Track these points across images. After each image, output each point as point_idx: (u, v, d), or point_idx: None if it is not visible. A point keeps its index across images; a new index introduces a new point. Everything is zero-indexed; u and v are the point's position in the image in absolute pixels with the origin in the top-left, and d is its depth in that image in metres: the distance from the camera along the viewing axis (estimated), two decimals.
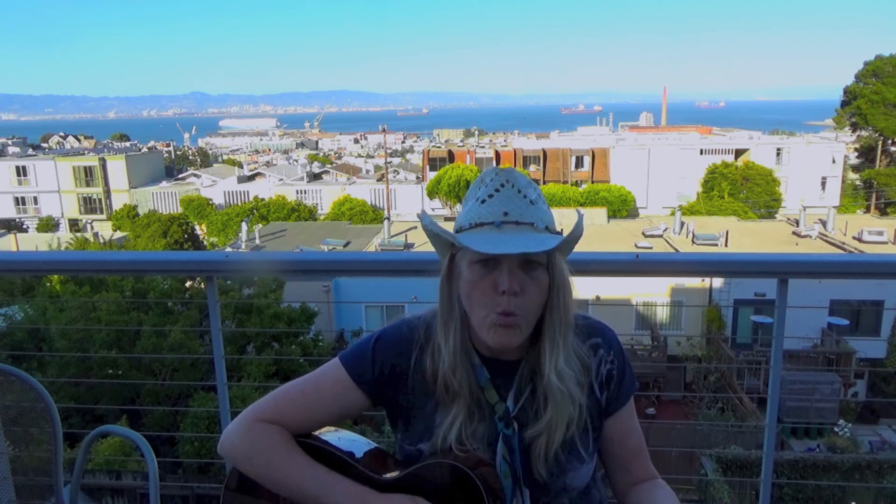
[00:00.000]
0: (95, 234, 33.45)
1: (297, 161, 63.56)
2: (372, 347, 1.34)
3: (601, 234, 25.59)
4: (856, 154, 51.43)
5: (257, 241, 27.59)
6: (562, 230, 1.26)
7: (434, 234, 1.28)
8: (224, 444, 1.31)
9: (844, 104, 46.67)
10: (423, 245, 17.40)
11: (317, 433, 1.35)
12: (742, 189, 38.56)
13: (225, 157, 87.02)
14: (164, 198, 48.77)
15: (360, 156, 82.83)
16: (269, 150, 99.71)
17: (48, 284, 15.44)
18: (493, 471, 1.24)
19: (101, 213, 49.25)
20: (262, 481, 1.28)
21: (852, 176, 48.71)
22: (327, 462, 1.29)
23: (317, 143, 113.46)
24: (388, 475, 1.28)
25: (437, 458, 1.25)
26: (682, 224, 26.89)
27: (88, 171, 50.33)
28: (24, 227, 47.47)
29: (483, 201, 1.22)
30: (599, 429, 1.35)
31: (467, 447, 1.26)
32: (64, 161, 51.23)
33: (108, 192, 50.28)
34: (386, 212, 37.77)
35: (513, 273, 1.20)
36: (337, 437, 1.36)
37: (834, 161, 45.37)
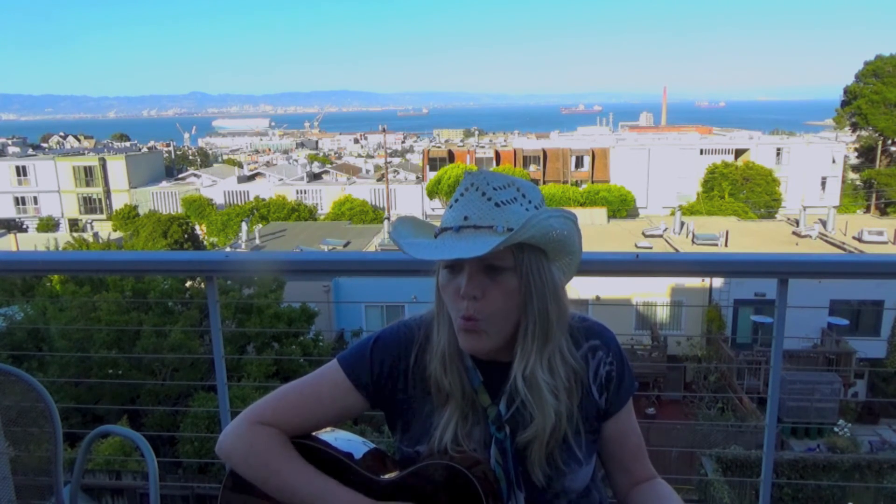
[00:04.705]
0: (95, 235, 33.41)
1: (297, 161, 63.44)
2: (370, 349, 1.33)
3: (601, 234, 25.59)
4: (856, 154, 51.42)
5: (257, 241, 27.60)
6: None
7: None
8: (222, 446, 1.31)
9: (844, 104, 46.67)
10: None
11: (316, 434, 1.35)
12: (742, 189, 38.57)
13: (225, 157, 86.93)
14: (164, 198, 48.74)
15: (360, 156, 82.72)
16: (269, 150, 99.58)
17: (48, 284, 15.41)
18: (491, 470, 1.25)
19: (101, 213, 49.23)
20: (258, 484, 1.28)
21: (852, 176, 48.70)
22: (326, 463, 1.29)
23: (317, 143, 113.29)
24: (387, 476, 1.28)
25: (435, 458, 1.25)
26: (682, 224, 26.89)
27: (88, 171, 50.30)
28: (24, 227, 47.41)
29: (451, 206, 1.22)
30: (598, 431, 1.35)
31: (463, 448, 1.26)
32: (64, 161, 51.17)
33: (108, 192, 50.25)
34: (386, 212, 37.81)
35: (473, 277, 1.19)
36: (335, 437, 1.36)
37: (834, 161, 45.32)
